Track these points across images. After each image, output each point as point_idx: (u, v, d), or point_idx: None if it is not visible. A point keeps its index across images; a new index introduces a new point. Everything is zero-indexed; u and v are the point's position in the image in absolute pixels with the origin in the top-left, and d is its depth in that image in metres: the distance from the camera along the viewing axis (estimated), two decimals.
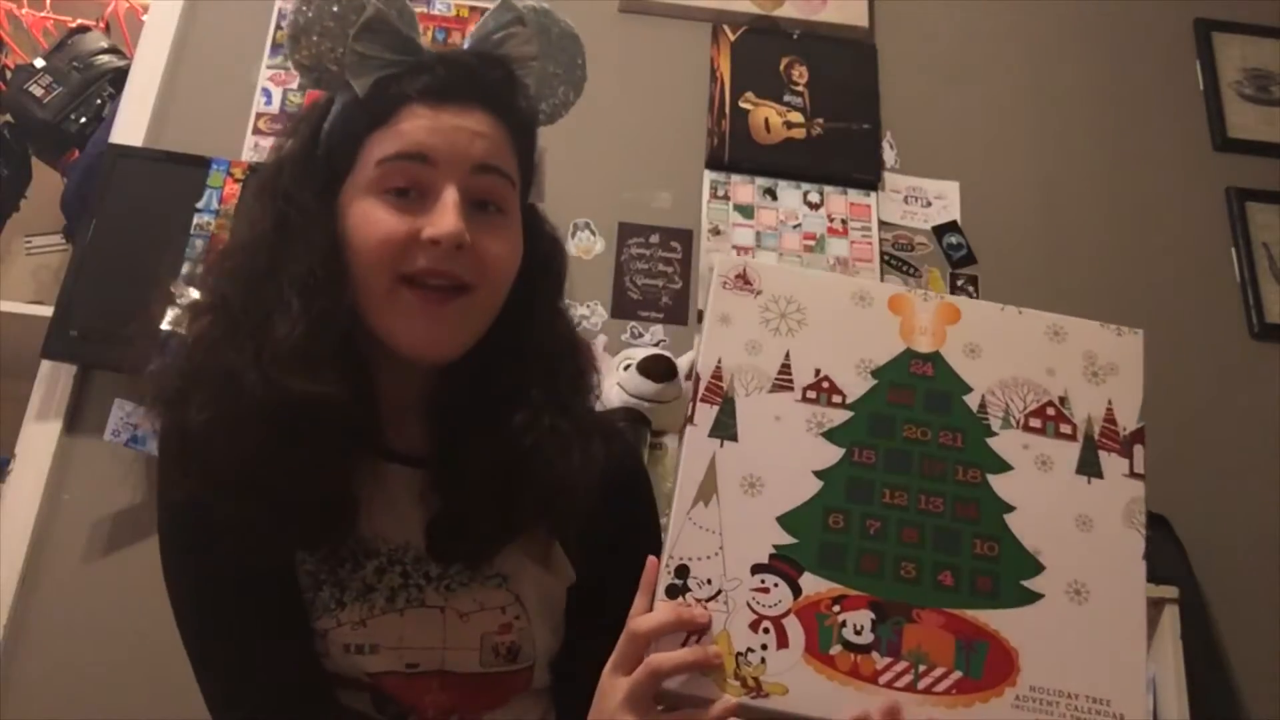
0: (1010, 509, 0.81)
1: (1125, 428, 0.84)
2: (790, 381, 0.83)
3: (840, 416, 0.82)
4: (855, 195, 2.29)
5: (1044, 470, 0.82)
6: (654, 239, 2.20)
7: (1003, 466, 0.82)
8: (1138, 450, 0.83)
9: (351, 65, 0.91)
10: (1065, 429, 0.83)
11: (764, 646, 0.77)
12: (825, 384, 0.83)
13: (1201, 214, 2.38)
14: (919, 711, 0.75)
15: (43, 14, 2.49)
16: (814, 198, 2.28)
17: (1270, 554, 2.09)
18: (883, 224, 2.27)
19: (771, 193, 2.28)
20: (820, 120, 2.33)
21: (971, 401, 0.83)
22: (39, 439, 1.92)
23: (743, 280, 0.86)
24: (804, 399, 0.83)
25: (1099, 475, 0.82)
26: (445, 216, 0.87)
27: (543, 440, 0.93)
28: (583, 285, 2.11)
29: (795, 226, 2.24)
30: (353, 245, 0.90)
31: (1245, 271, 2.32)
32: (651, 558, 0.81)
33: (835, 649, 0.77)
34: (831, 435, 0.82)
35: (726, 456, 0.81)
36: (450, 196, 0.88)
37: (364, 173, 0.91)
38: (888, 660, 0.76)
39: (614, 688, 0.78)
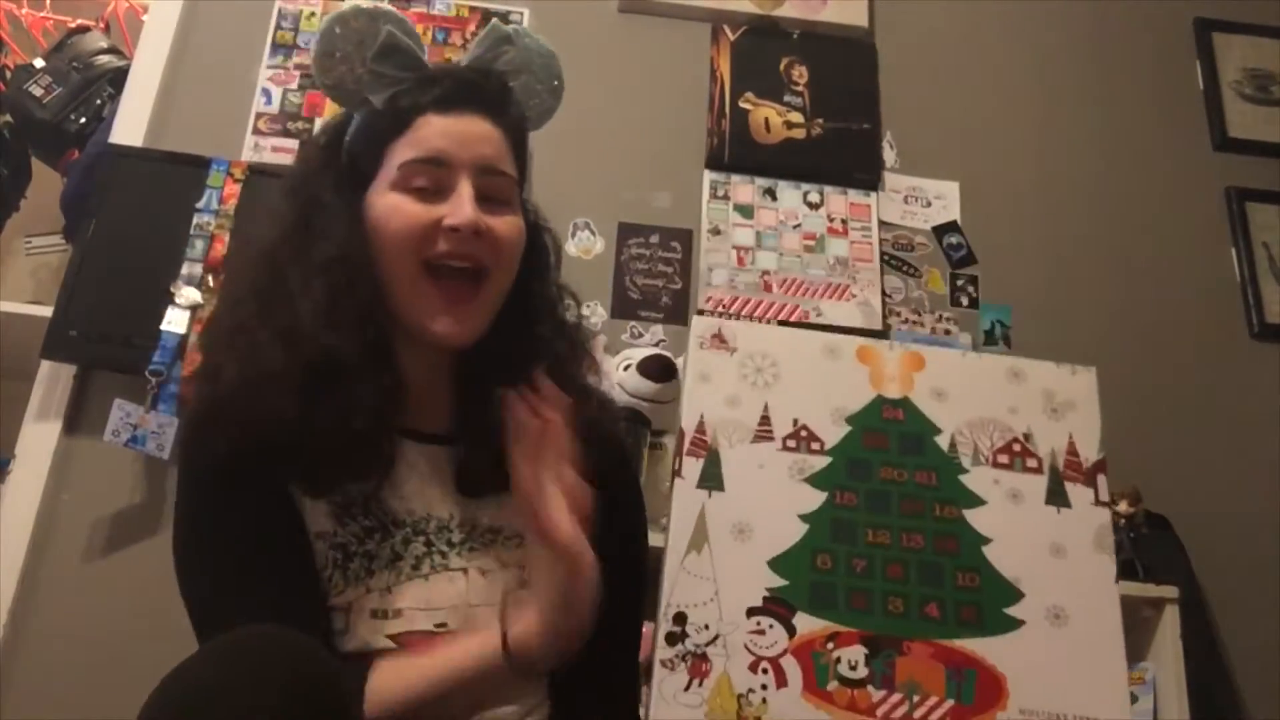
0: (987, 541, 0.85)
1: (1088, 459, 0.89)
2: (770, 432, 0.88)
3: (820, 462, 0.87)
4: (855, 195, 2.29)
5: (1016, 503, 0.87)
6: (654, 239, 2.20)
7: (977, 501, 0.86)
8: (1101, 480, 0.89)
9: (370, 83, 1.05)
10: (1031, 463, 0.88)
11: (764, 687, 0.79)
12: (804, 432, 0.88)
13: (1201, 214, 2.39)
14: None
15: (43, 14, 2.49)
16: (814, 198, 2.28)
17: (1270, 554, 2.09)
18: (883, 224, 2.27)
19: (771, 193, 2.27)
20: (820, 120, 2.33)
21: (942, 442, 0.88)
22: (39, 439, 1.92)
23: (719, 339, 0.91)
24: (784, 448, 0.87)
25: (1067, 505, 0.87)
26: (463, 206, 1.00)
27: (571, 388, 1.05)
28: (583, 285, 2.09)
29: (795, 226, 2.24)
30: (380, 232, 1.02)
31: (1245, 271, 2.32)
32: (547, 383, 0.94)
33: (832, 685, 0.80)
34: (813, 480, 0.86)
35: (715, 506, 0.85)
36: (466, 190, 1.01)
37: (388, 174, 1.03)
38: (883, 693, 0.79)
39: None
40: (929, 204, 2.31)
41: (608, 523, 0.98)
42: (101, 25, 2.44)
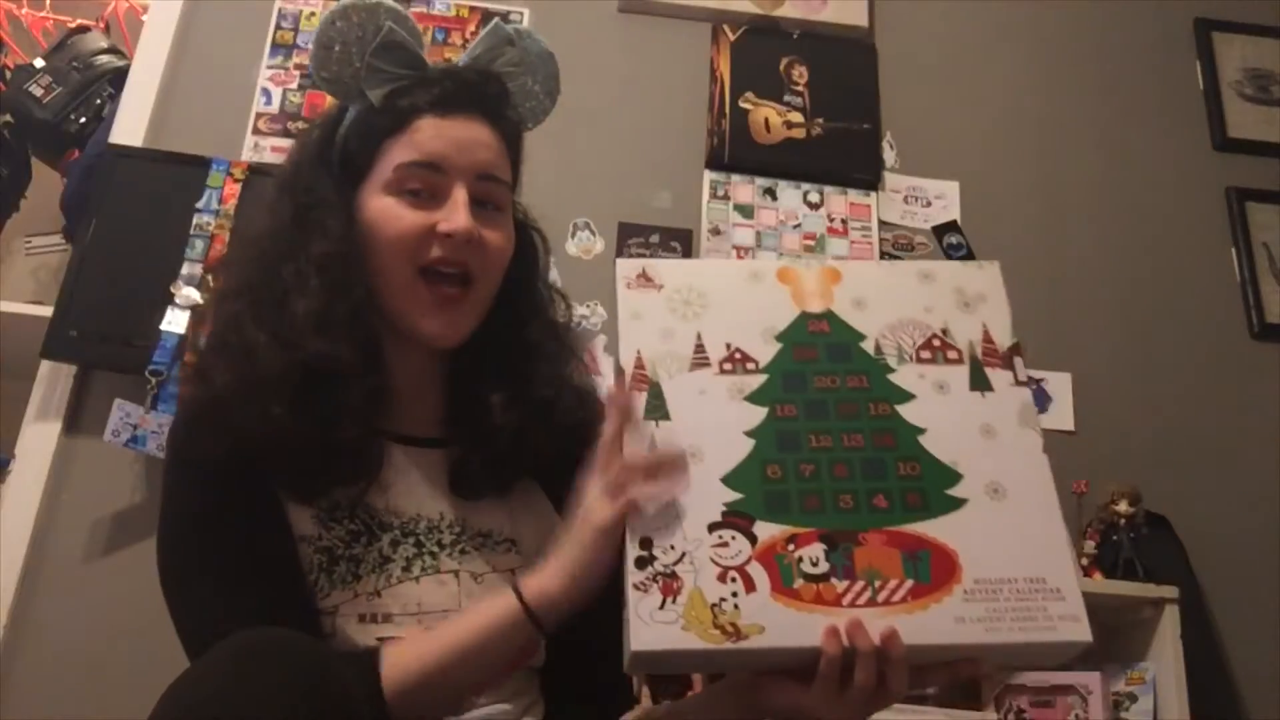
0: (922, 431, 0.89)
1: (1003, 344, 0.94)
2: (706, 358, 0.91)
3: (757, 381, 0.90)
4: (855, 195, 2.29)
5: (942, 393, 0.91)
6: (654, 239, 2.20)
7: (907, 396, 0.91)
8: (1018, 362, 0.93)
9: (368, 78, 1.03)
10: (952, 355, 0.93)
11: (734, 594, 0.82)
12: (737, 355, 0.91)
13: (1201, 214, 2.39)
14: (881, 622, 0.81)
15: (43, 14, 2.49)
16: (814, 198, 2.28)
17: (1270, 554, 2.09)
18: (883, 224, 2.28)
19: (771, 193, 2.28)
20: (820, 120, 2.33)
21: (868, 347, 0.93)
22: (39, 439, 1.92)
23: (644, 279, 0.95)
24: (721, 371, 0.91)
25: (989, 389, 0.92)
26: (458, 213, 0.99)
27: (563, 389, 1.07)
28: (583, 285, 2.12)
29: (795, 226, 2.25)
30: (374, 235, 1.01)
31: (1245, 271, 2.32)
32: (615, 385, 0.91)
33: (798, 582, 0.83)
34: (753, 398, 0.90)
35: (664, 434, 0.88)
36: (461, 196, 1.00)
37: (381, 174, 1.02)
38: (846, 583, 0.83)
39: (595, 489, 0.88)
40: (929, 204, 2.31)
41: None
42: (101, 25, 2.44)
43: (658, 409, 0.88)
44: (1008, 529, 0.86)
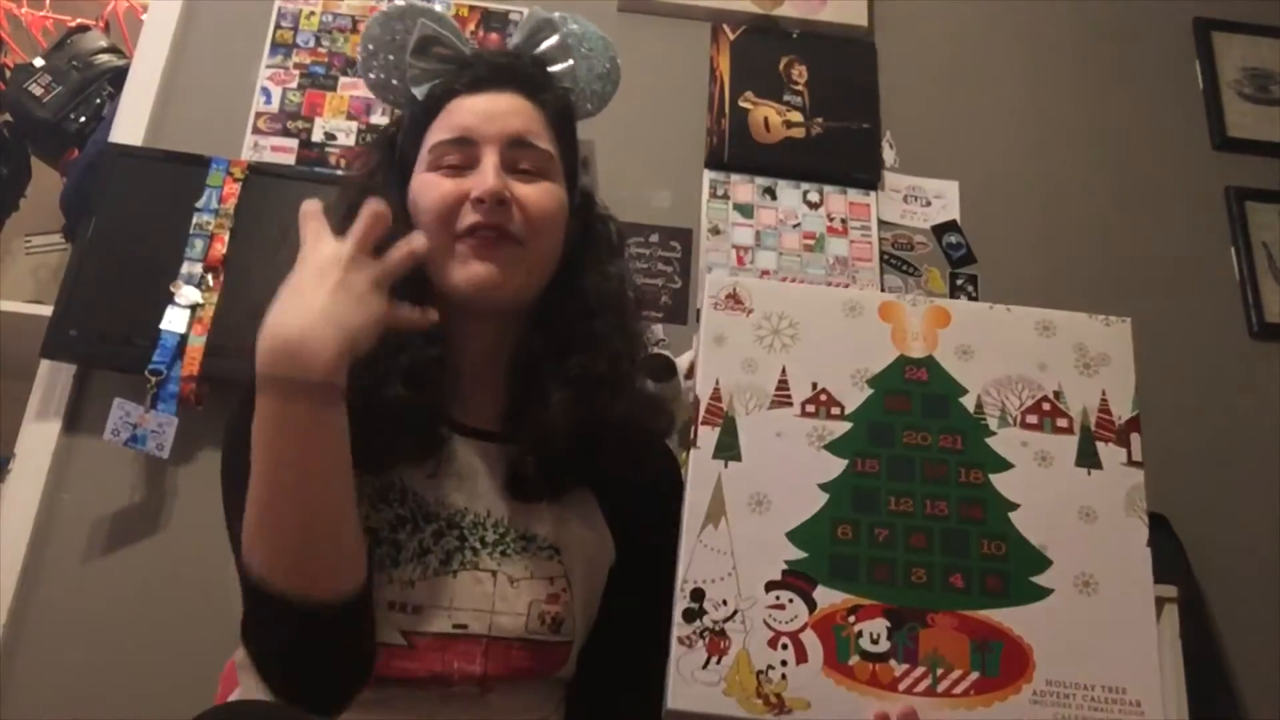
0: (1014, 507, 0.81)
1: (1120, 417, 0.84)
2: (789, 397, 0.84)
3: (840, 428, 0.83)
4: (855, 195, 2.29)
5: (1044, 466, 0.83)
6: (654, 239, 2.20)
7: (1004, 465, 0.82)
8: (1134, 438, 0.84)
9: (413, 78, 1.07)
10: (1062, 423, 0.84)
11: (783, 663, 0.77)
12: (823, 397, 0.84)
13: (1201, 213, 2.38)
14: (938, 715, 0.75)
15: (43, 14, 2.49)
16: (813, 197, 2.28)
17: (1270, 554, 2.09)
18: (882, 223, 2.27)
19: (771, 192, 2.27)
20: (820, 120, 2.33)
21: (968, 403, 0.84)
22: (38, 439, 1.92)
23: (734, 300, 0.88)
24: (803, 413, 0.84)
25: (1098, 466, 0.83)
26: (486, 176, 1.00)
27: (636, 400, 1.04)
28: None
29: (795, 226, 2.24)
30: (416, 211, 1.04)
31: (1245, 271, 2.32)
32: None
33: (854, 659, 0.77)
34: (833, 447, 0.83)
35: (732, 476, 0.82)
36: (490, 161, 1.01)
37: (424, 157, 1.06)
38: (905, 666, 0.77)
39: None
40: (928, 203, 2.31)
41: (651, 526, 0.96)
42: (101, 24, 2.43)
43: (729, 447, 0.82)
44: (1092, 628, 0.78)
